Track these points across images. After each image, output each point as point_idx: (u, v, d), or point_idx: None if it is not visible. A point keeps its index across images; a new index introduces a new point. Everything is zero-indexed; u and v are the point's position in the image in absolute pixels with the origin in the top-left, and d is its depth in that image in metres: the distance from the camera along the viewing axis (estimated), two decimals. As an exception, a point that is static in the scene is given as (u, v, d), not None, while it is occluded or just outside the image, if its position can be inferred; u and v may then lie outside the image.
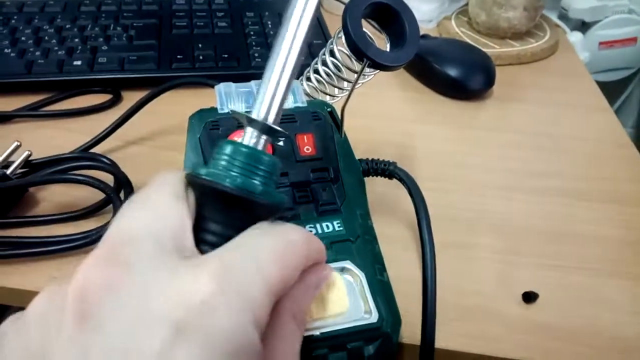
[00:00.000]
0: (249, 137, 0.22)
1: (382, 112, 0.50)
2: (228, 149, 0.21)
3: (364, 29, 0.31)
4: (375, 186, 0.36)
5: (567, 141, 0.47)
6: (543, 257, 0.36)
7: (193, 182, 0.22)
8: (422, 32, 0.60)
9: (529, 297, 0.32)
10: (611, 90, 0.80)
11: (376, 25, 0.32)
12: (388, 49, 0.31)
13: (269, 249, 0.20)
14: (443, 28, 0.64)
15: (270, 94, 0.22)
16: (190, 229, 0.20)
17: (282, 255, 0.20)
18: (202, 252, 0.20)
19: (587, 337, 0.31)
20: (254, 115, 0.22)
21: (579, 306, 0.33)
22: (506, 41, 0.60)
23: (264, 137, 0.22)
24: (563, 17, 0.71)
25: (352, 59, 0.31)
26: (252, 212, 0.21)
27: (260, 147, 0.22)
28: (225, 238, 0.20)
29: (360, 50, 0.29)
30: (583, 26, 0.71)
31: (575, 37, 0.68)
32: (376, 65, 0.29)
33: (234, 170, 0.21)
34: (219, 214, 0.21)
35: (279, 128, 0.22)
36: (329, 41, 0.34)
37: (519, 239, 0.37)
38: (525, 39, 0.61)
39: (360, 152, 0.35)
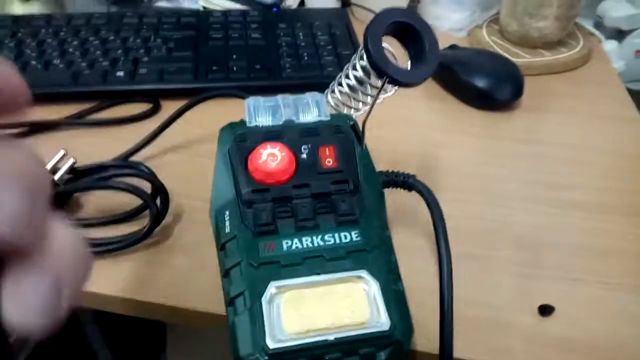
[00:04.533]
0: None
1: (409, 122, 0.51)
2: None
3: (387, 45, 0.32)
4: (397, 197, 0.38)
5: (594, 153, 0.47)
6: (562, 271, 0.36)
7: None
8: (452, 41, 0.61)
9: (545, 310, 0.33)
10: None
11: (398, 43, 0.33)
12: (409, 66, 0.32)
13: None
14: (474, 37, 0.64)
15: None
16: None
17: None
18: None
19: (606, 352, 0.31)
20: None
21: (598, 320, 0.33)
22: (538, 50, 0.60)
23: None
24: (599, 25, 0.70)
25: (373, 75, 0.32)
26: None
27: None
28: None
29: (379, 68, 0.30)
30: (619, 34, 0.70)
31: (610, 45, 0.67)
32: (395, 82, 0.30)
33: None
34: None
35: None
36: (353, 56, 0.35)
37: (539, 252, 0.37)
38: (557, 49, 0.61)
39: (384, 162, 0.36)
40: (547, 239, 0.38)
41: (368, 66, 0.32)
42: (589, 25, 0.68)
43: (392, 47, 0.33)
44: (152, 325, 0.91)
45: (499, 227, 0.39)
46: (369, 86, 0.35)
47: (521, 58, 0.59)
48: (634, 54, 0.70)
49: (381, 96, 0.33)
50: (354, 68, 0.36)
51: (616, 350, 0.31)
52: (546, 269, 0.36)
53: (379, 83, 0.32)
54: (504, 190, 0.43)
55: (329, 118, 0.35)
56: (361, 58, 0.34)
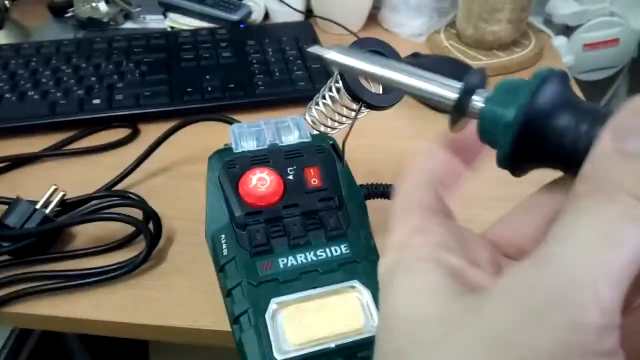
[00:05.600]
0: None
1: (381, 131, 0.53)
2: None
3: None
4: (379, 204, 0.40)
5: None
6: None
7: None
8: (413, 47, 0.64)
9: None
10: (599, 87, 0.84)
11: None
12: (380, 90, 0.35)
13: None
14: (433, 42, 0.67)
15: None
16: None
17: None
18: None
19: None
20: None
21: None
22: (493, 52, 0.64)
23: None
24: (548, 22, 0.75)
25: (348, 99, 0.35)
26: None
27: None
28: None
29: (355, 93, 0.33)
30: (567, 30, 0.74)
31: (559, 41, 0.71)
32: (369, 106, 0.33)
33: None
34: None
35: None
36: (330, 79, 0.38)
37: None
38: (511, 49, 0.64)
39: (362, 172, 0.39)
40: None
41: (343, 90, 0.35)
42: (539, 23, 0.73)
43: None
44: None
45: (471, 226, 0.42)
46: (344, 108, 0.38)
47: (478, 60, 0.62)
48: (582, 48, 0.74)
49: (359, 116, 0.36)
50: (330, 90, 0.38)
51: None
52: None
53: (354, 105, 0.35)
54: (473, 189, 0.46)
55: (310, 139, 0.37)
56: (337, 81, 0.37)
